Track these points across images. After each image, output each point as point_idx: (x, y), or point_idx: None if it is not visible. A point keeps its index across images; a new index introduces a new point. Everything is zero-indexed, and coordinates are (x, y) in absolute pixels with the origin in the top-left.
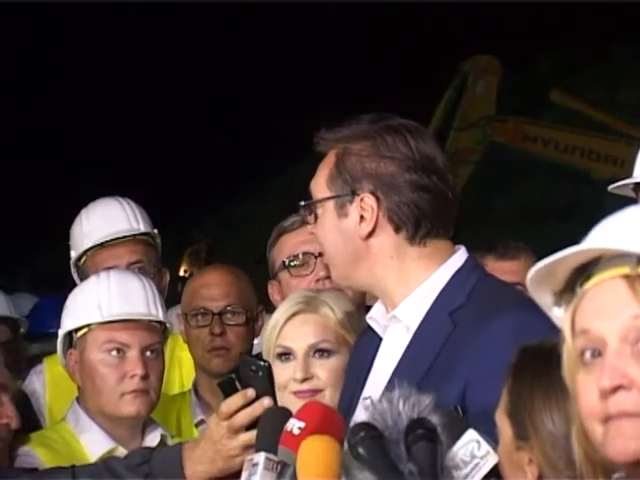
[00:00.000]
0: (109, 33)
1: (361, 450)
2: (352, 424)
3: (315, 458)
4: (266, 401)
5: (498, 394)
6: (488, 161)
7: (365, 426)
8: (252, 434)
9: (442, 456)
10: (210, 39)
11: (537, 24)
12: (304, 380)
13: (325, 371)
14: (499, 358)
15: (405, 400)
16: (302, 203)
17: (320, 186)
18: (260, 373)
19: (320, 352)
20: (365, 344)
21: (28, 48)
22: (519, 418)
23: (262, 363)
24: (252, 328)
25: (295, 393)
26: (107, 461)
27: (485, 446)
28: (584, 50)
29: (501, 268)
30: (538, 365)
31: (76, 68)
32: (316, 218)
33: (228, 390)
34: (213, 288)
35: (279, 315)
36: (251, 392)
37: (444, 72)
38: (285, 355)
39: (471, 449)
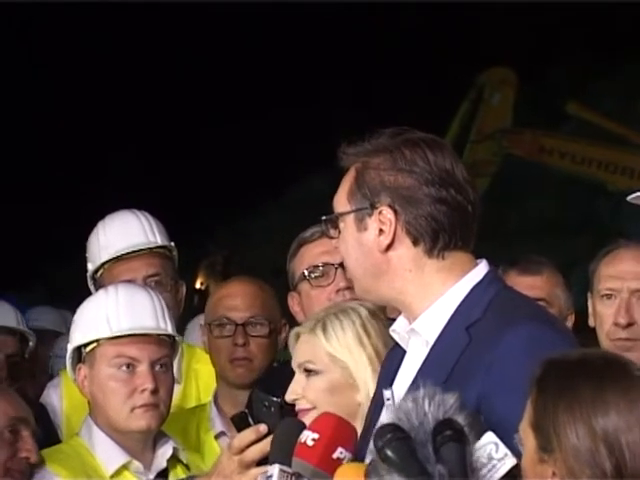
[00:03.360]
0: (123, 39)
1: (389, 452)
2: (377, 426)
3: None
4: None
5: (510, 408)
6: (504, 174)
7: (392, 427)
8: (263, 469)
9: (470, 456)
10: (225, 49)
11: (553, 36)
12: (295, 400)
13: (310, 391)
14: (510, 372)
15: (430, 400)
16: (323, 218)
17: (341, 200)
18: (272, 409)
19: (307, 372)
20: (392, 357)
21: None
22: (543, 430)
23: (274, 399)
24: (275, 340)
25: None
26: None
27: (503, 448)
28: (600, 62)
29: (523, 283)
30: (563, 378)
31: (90, 82)
32: (339, 232)
33: (240, 425)
34: (237, 299)
35: (292, 334)
36: (263, 427)
37: (460, 84)
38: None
39: (489, 451)
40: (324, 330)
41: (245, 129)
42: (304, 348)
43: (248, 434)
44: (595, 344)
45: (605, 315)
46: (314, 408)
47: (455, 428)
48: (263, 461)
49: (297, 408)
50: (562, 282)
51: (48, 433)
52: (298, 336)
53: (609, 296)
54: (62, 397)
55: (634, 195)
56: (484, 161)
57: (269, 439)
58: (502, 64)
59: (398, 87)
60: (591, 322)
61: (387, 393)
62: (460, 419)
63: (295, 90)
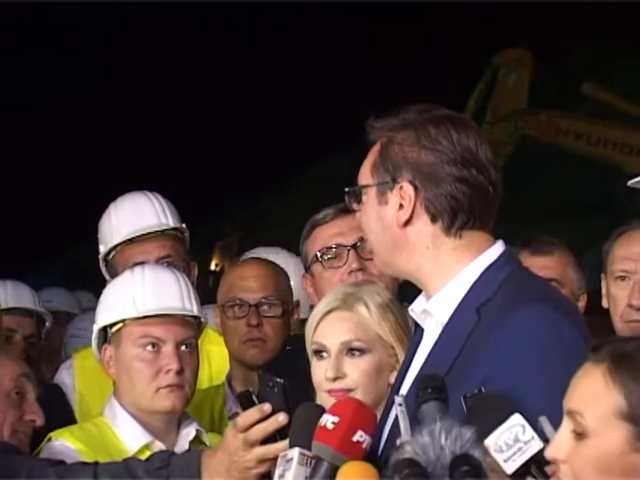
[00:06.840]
0: (141, 30)
1: None
2: (392, 461)
3: None
4: (281, 417)
5: (514, 389)
6: (520, 155)
7: (408, 462)
8: (267, 448)
9: None
10: (246, 31)
11: (569, 17)
12: (335, 379)
13: (356, 371)
14: (514, 353)
15: (447, 434)
16: (347, 189)
17: (365, 173)
18: (276, 389)
19: (352, 351)
20: (415, 335)
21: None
22: None
23: (278, 380)
24: (288, 321)
25: (329, 392)
26: (128, 462)
27: (530, 431)
28: (617, 43)
29: (535, 264)
30: None
31: (113, 64)
32: (361, 205)
33: (246, 404)
34: (250, 280)
35: (316, 312)
36: (267, 407)
37: (475, 65)
38: (320, 353)
39: (515, 433)
40: (367, 308)
41: (263, 112)
42: (346, 326)
43: (252, 413)
44: (609, 326)
45: (619, 297)
46: (356, 389)
47: (472, 463)
48: (267, 440)
49: (338, 387)
50: (574, 263)
51: (64, 413)
52: (323, 316)
53: (623, 278)
54: (75, 378)
55: (636, 180)
56: (500, 142)
57: (273, 419)
58: (518, 45)
59: (413, 68)
60: (605, 304)
61: (399, 399)
62: (477, 453)
63: (313, 74)
